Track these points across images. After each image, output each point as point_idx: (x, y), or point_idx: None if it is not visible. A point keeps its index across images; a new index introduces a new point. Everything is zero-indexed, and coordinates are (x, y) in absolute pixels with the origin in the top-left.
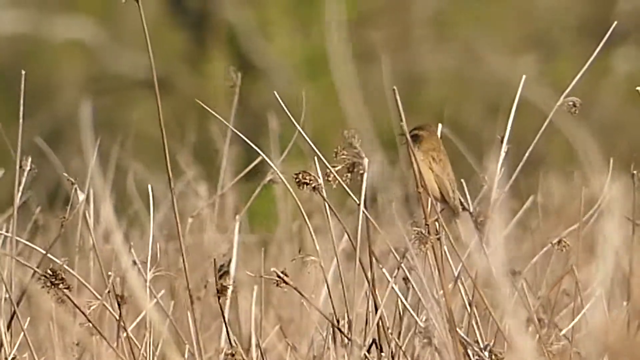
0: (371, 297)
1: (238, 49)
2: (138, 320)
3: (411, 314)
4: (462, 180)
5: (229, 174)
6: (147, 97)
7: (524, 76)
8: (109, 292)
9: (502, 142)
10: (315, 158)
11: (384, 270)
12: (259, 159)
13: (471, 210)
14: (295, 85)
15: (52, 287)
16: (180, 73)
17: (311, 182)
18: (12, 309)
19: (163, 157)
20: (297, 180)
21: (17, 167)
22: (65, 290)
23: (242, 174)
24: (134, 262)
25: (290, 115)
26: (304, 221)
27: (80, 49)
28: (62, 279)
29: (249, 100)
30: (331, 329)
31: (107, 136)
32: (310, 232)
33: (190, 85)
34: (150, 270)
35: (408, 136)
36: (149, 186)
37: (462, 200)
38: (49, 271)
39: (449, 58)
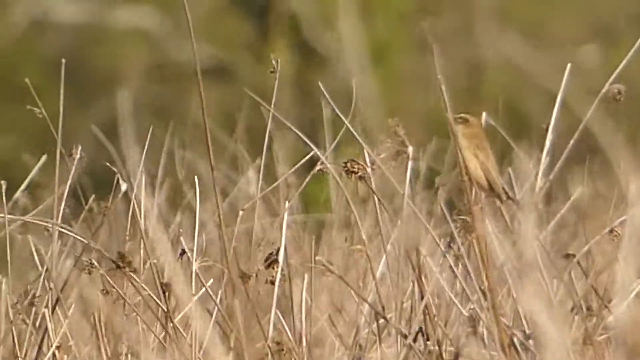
0: (417, 286)
1: (301, 38)
2: (186, 310)
3: (455, 304)
4: (510, 169)
5: (286, 164)
6: (210, 86)
7: (569, 65)
8: (157, 282)
9: (547, 131)
10: (365, 147)
11: (427, 259)
12: (312, 152)
13: (517, 199)
14: (358, 73)
15: (119, 269)
16: (243, 62)
17: (359, 170)
18: (56, 296)
19: (213, 145)
20: (346, 169)
21: (57, 154)
22: (131, 274)
23: (293, 169)
24: (183, 252)
25: (335, 107)
26: (352, 210)
27: (143, 38)
28: (129, 262)
29: (313, 88)
30: (378, 319)
31: (168, 125)
32: (357, 221)
33: (253, 73)
34: (196, 260)
35: (453, 124)
36: (195, 176)
37: (507, 189)
38: (117, 254)
39: (511, 47)
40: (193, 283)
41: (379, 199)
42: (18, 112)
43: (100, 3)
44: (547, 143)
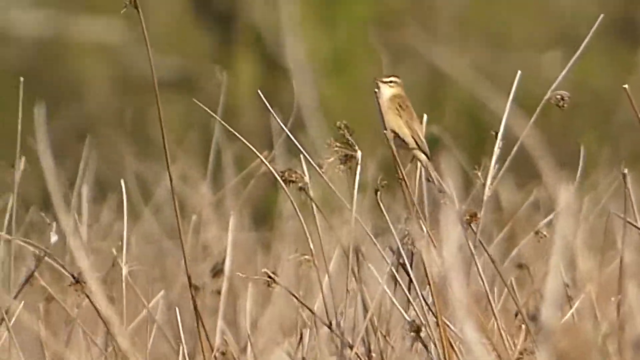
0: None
1: (264, 49)
2: (138, 319)
3: (399, 311)
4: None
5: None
6: (173, 98)
7: (519, 72)
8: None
9: (496, 137)
10: (306, 155)
11: (372, 268)
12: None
13: (444, 190)
14: (320, 83)
15: (77, 284)
16: (206, 73)
17: (297, 180)
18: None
19: (167, 155)
20: (283, 178)
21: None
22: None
23: (242, 174)
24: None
25: (276, 117)
26: (299, 220)
27: (104, 50)
28: (83, 282)
29: (276, 99)
30: (322, 328)
31: (138, 136)
32: (305, 233)
33: (217, 85)
34: (125, 264)
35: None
36: (122, 183)
37: (439, 183)
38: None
39: (475, 55)
40: (124, 289)
41: (318, 208)
42: None
43: (61, 16)
44: (496, 150)
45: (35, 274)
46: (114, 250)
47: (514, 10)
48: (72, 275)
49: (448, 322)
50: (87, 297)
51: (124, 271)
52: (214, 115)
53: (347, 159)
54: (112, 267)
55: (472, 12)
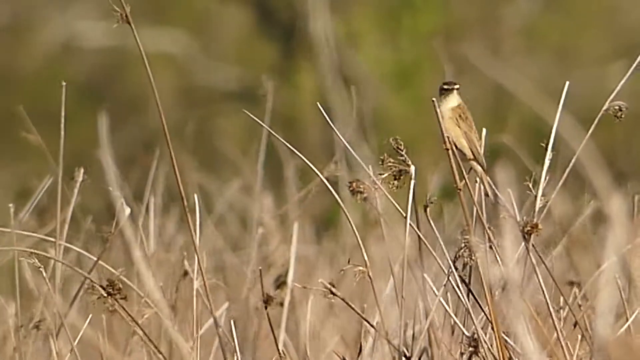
0: (421, 307)
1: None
2: (204, 329)
3: (457, 324)
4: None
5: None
6: (238, 109)
7: (567, 82)
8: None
9: (546, 149)
10: (366, 168)
11: (429, 282)
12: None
13: (500, 202)
14: (384, 96)
15: (108, 296)
16: (268, 84)
17: (365, 191)
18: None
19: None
20: (351, 189)
21: (60, 178)
22: (120, 301)
23: (305, 190)
24: (185, 272)
25: (334, 128)
26: (353, 232)
27: (170, 62)
28: (119, 289)
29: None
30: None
31: (201, 147)
32: (359, 244)
33: (280, 96)
34: (197, 279)
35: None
36: (196, 197)
37: (495, 195)
38: (105, 281)
39: (540, 68)
40: (194, 303)
41: (383, 218)
42: (47, 137)
43: (126, 27)
44: (546, 162)
45: (96, 284)
46: (186, 264)
47: (580, 24)
48: (102, 287)
49: (506, 336)
50: (123, 306)
51: (195, 285)
52: (268, 129)
53: (401, 175)
54: (182, 279)
55: (538, 25)
